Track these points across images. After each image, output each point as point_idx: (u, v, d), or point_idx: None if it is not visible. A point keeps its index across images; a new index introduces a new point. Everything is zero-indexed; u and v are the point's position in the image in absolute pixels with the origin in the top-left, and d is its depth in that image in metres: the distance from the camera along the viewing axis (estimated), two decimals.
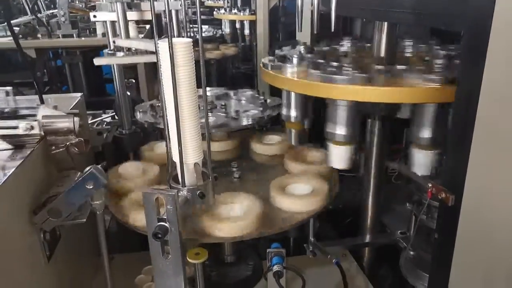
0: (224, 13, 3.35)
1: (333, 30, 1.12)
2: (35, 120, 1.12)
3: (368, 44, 1.45)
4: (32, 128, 1.11)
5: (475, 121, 0.77)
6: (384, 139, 1.43)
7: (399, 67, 1.08)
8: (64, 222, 1.04)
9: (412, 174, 1.20)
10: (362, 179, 1.55)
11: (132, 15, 1.60)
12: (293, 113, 1.32)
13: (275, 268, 1.27)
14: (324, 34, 1.27)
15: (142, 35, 2.35)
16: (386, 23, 1.22)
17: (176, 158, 1.02)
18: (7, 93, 1.40)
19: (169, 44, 0.90)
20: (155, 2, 0.95)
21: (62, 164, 1.17)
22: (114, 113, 2.01)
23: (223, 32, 3.58)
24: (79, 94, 1.51)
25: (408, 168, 1.21)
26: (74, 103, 1.41)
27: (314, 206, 1.21)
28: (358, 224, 1.59)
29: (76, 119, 1.14)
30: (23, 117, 1.20)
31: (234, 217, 1.13)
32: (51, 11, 3.52)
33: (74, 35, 2.81)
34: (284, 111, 1.36)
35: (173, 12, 1.80)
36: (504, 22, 0.70)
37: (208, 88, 2.00)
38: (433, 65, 1.09)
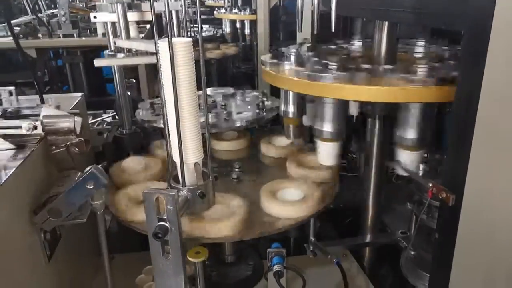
0: (224, 13, 3.35)
1: (333, 30, 1.12)
2: (38, 120, 1.12)
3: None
4: (35, 128, 1.11)
5: (476, 121, 0.77)
6: (384, 139, 1.43)
7: (386, 66, 1.12)
8: (64, 222, 1.04)
9: (412, 174, 1.21)
10: (362, 179, 1.55)
11: (132, 16, 1.59)
12: (291, 109, 1.42)
13: (276, 268, 1.28)
14: (324, 34, 1.27)
15: (143, 35, 2.34)
16: (386, 22, 1.22)
17: (176, 157, 1.02)
18: (11, 93, 1.39)
19: (169, 44, 0.90)
20: (155, 3, 0.95)
21: (63, 164, 1.17)
22: (114, 113, 2.02)
23: (223, 32, 3.58)
24: (79, 94, 1.52)
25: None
26: (75, 103, 1.41)
27: (303, 212, 1.18)
28: (359, 224, 1.59)
29: (78, 119, 1.14)
30: (26, 116, 1.20)
31: (215, 218, 1.11)
32: (51, 11, 3.52)
33: (75, 35, 2.81)
34: (282, 107, 1.45)
35: (173, 12, 1.80)
36: (505, 22, 0.70)
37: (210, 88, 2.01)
38: (423, 65, 1.09)
